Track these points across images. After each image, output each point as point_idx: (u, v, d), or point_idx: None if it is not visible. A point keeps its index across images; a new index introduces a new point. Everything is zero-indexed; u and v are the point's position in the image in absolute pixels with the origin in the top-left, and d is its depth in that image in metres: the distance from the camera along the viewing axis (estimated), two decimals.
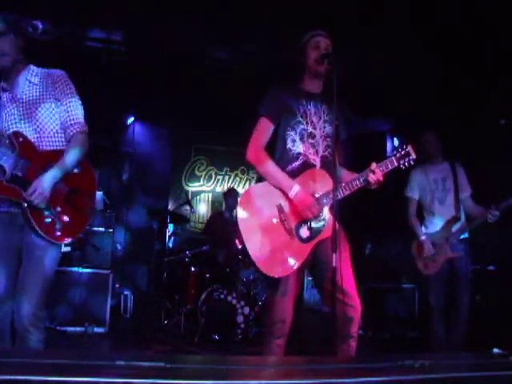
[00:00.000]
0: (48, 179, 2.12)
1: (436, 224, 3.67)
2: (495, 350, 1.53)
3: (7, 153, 2.09)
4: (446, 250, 3.56)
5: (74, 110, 2.31)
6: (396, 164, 2.34)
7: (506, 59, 4.41)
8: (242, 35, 4.89)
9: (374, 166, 2.29)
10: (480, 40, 4.36)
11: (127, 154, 6.83)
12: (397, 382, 1.14)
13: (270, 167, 2.34)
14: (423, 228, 3.74)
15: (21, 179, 2.10)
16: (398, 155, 2.34)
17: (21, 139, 2.15)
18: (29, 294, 2.07)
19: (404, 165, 2.34)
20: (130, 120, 6.96)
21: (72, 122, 2.29)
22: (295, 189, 2.26)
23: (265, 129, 2.42)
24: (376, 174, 2.28)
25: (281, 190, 2.30)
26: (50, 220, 2.12)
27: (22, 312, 2.05)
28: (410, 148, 2.35)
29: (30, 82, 2.26)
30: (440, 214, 3.66)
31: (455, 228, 3.59)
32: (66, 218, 2.17)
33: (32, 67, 2.30)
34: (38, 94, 2.25)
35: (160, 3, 4.37)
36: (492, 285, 4.45)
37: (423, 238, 3.66)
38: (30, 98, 2.24)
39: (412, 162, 2.35)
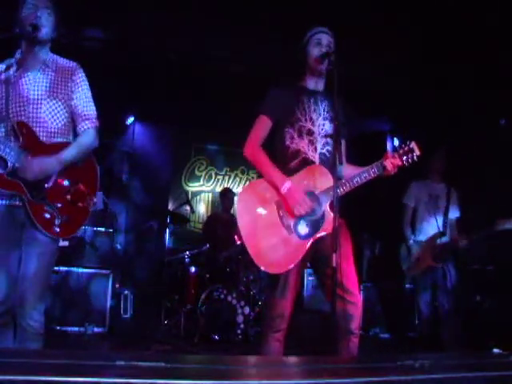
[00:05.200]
0: (52, 160, 2.10)
1: (424, 234, 4.07)
2: (495, 350, 1.53)
3: (9, 145, 2.06)
4: (428, 258, 3.94)
5: (89, 104, 2.30)
6: (399, 160, 2.32)
7: (506, 59, 4.41)
8: (242, 35, 4.89)
9: (389, 153, 2.33)
10: (480, 40, 4.36)
11: (127, 153, 6.82)
12: (397, 381, 1.14)
13: (265, 164, 2.34)
14: (413, 235, 4.16)
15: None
16: (400, 151, 2.34)
17: (25, 130, 2.10)
18: (31, 288, 2.08)
19: (407, 161, 2.33)
20: (130, 120, 6.96)
21: (86, 116, 2.28)
22: (287, 185, 2.25)
23: (263, 126, 2.42)
24: (395, 159, 2.31)
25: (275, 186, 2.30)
26: (49, 216, 2.10)
27: (25, 306, 2.06)
28: (413, 144, 2.34)
29: (46, 66, 2.22)
30: (429, 226, 4.04)
31: (440, 241, 3.95)
32: (65, 215, 2.14)
33: (51, 53, 2.28)
34: (51, 81, 2.21)
35: (160, 3, 4.38)
36: (492, 285, 4.45)
37: (411, 242, 4.10)
38: (42, 84, 2.19)
39: (416, 159, 2.33)
